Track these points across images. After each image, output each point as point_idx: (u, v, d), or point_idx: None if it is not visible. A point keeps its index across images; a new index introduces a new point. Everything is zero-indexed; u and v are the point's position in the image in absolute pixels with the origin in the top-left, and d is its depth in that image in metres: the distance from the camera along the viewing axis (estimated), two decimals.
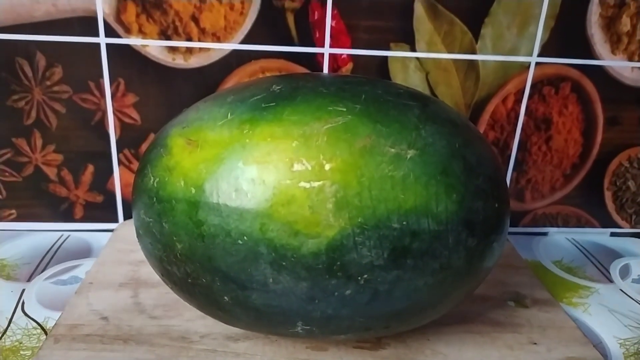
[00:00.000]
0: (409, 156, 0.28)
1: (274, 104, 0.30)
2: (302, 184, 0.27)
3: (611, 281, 0.52)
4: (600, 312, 0.47)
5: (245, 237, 0.28)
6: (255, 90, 0.32)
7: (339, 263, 0.28)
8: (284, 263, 0.28)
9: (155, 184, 0.31)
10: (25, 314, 0.42)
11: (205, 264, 0.30)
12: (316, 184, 0.27)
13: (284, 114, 0.29)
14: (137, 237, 0.34)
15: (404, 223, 0.28)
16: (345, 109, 0.29)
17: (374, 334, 0.34)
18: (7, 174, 0.53)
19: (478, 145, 0.32)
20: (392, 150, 0.28)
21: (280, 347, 0.37)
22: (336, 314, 0.30)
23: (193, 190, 0.29)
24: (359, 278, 0.28)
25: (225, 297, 0.31)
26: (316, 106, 0.29)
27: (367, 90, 0.31)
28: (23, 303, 0.43)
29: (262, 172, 0.28)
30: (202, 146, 0.30)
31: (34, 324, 0.41)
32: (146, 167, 0.33)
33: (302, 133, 0.28)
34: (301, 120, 0.29)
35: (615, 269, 0.55)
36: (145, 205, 0.32)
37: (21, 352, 0.38)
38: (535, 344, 0.40)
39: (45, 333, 0.40)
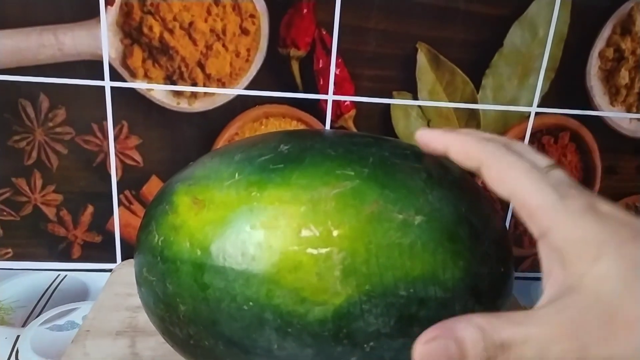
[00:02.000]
0: (416, 222, 0.28)
1: (282, 165, 0.30)
2: (310, 250, 0.27)
3: None
4: None
5: (251, 303, 0.28)
6: (263, 150, 0.31)
7: (345, 330, 0.27)
8: (289, 330, 0.28)
9: (160, 243, 0.31)
10: None
11: (208, 328, 0.29)
12: (324, 250, 0.27)
13: (292, 178, 0.29)
14: (138, 292, 0.34)
15: (411, 291, 0.27)
16: (353, 173, 0.29)
17: None
18: (5, 213, 0.52)
19: (483, 207, 0.32)
20: (400, 216, 0.28)
21: None
22: None
23: (199, 252, 0.29)
24: (365, 345, 0.28)
25: None
26: (324, 170, 0.29)
27: (375, 153, 0.31)
28: (17, 352, 0.42)
29: (270, 237, 0.28)
30: (209, 207, 0.30)
31: None
32: (151, 224, 0.32)
33: (310, 198, 0.28)
34: (309, 185, 0.29)
35: None
36: (149, 263, 0.31)
37: None
38: None
39: None
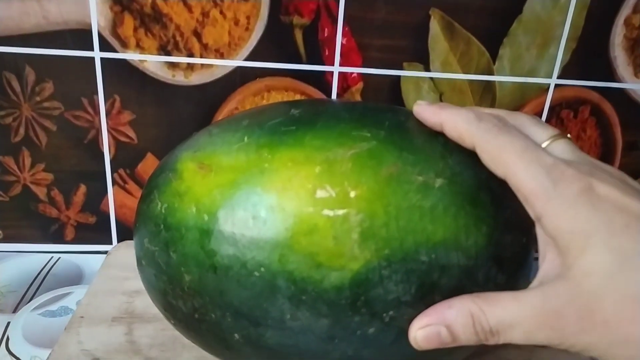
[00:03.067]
0: (437, 185, 0.28)
1: (294, 127, 0.30)
2: (326, 212, 0.27)
3: None
4: None
5: (262, 269, 0.28)
6: (273, 114, 0.31)
7: (363, 298, 0.27)
8: (303, 298, 0.27)
9: (163, 210, 0.31)
10: (10, 353, 0.41)
11: (215, 298, 0.29)
12: (341, 212, 0.27)
13: (306, 139, 0.29)
14: (139, 267, 0.34)
15: (433, 256, 0.27)
16: (369, 135, 0.29)
17: None
18: None
19: None
20: (420, 178, 0.28)
21: None
22: (357, 355, 0.29)
23: (206, 218, 0.29)
24: (384, 315, 0.28)
25: (236, 335, 0.30)
26: (339, 131, 0.29)
27: (390, 117, 0.31)
28: (7, 339, 0.42)
29: (283, 199, 0.27)
30: (216, 171, 0.29)
31: None
32: (152, 193, 0.32)
33: (325, 159, 0.28)
34: (324, 146, 0.28)
35: None
36: (151, 233, 0.31)
37: None
38: None
39: None
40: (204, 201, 0.29)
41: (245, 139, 0.30)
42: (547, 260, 0.27)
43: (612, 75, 0.55)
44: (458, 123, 0.28)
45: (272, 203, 0.28)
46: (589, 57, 0.54)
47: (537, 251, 0.30)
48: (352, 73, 0.52)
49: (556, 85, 0.54)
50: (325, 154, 0.28)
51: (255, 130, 0.30)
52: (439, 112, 0.29)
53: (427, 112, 0.30)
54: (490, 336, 0.26)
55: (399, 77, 0.52)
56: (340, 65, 0.52)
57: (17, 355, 0.41)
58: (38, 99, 0.50)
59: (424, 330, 0.27)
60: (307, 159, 0.28)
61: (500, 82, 0.53)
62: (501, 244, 0.29)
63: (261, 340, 0.29)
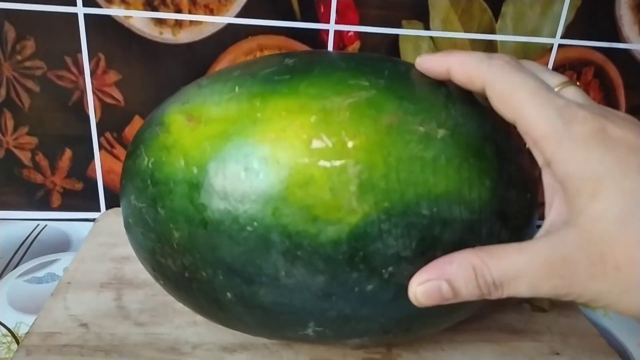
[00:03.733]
0: (439, 136, 0.27)
1: (288, 76, 0.29)
2: (322, 162, 0.26)
3: None
4: (621, 316, 0.46)
5: (255, 223, 0.27)
6: (265, 64, 0.30)
7: (361, 253, 0.26)
8: (299, 253, 0.27)
9: (150, 165, 0.30)
10: None
11: (206, 255, 0.28)
12: (338, 163, 0.26)
13: (301, 87, 0.28)
14: (126, 227, 0.33)
15: (434, 210, 0.27)
16: (368, 84, 0.28)
17: (391, 338, 0.32)
18: None
19: (507, 131, 0.31)
20: (421, 128, 0.27)
21: (281, 359, 0.36)
22: (354, 314, 0.29)
23: (195, 171, 0.28)
24: (383, 271, 0.27)
25: (228, 294, 0.29)
26: (336, 79, 0.28)
27: (390, 67, 0.30)
28: None
29: (276, 150, 0.26)
30: (206, 122, 0.28)
31: (4, 331, 0.39)
32: (139, 148, 0.31)
33: (321, 107, 0.27)
34: (320, 94, 0.27)
35: None
36: (138, 189, 0.30)
37: None
38: (557, 354, 0.39)
39: (17, 341, 0.38)
40: (193, 154, 0.28)
41: (237, 88, 0.29)
42: (554, 209, 0.26)
43: (617, 35, 0.54)
44: (467, 63, 0.27)
45: (265, 154, 0.27)
46: (593, 15, 0.52)
47: (543, 204, 0.29)
48: (348, 31, 0.51)
49: (560, 46, 0.53)
50: (321, 102, 0.27)
51: (247, 79, 0.29)
52: (446, 57, 0.28)
53: (431, 60, 0.29)
54: (494, 289, 0.25)
55: (397, 36, 0.51)
56: (336, 23, 0.50)
57: (2, 321, 0.40)
58: (19, 57, 0.48)
59: (423, 285, 0.26)
60: (302, 108, 0.27)
61: (502, 42, 0.52)
62: (505, 199, 0.29)
63: (255, 298, 0.29)
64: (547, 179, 0.27)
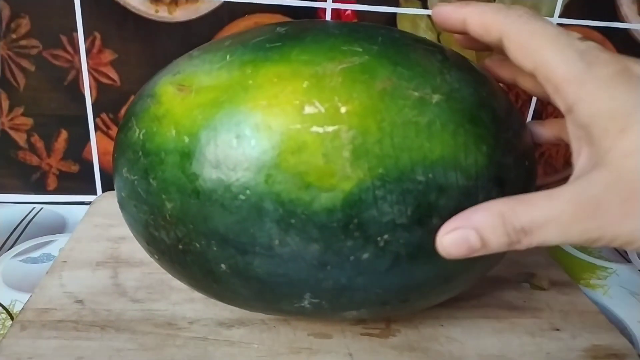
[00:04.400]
0: (434, 101, 0.26)
1: (280, 43, 0.28)
2: (315, 128, 0.25)
3: (629, 261, 0.51)
4: (621, 294, 0.46)
5: (248, 192, 0.26)
6: (257, 33, 0.29)
7: (356, 221, 0.26)
8: (292, 221, 0.26)
9: (141, 136, 0.29)
10: None
11: (199, 226, 0.27)
12: (331, 128, 0.25)
13: (293, 54, 0.27)
14: (119, 203, 0.32)
15: (430, 176, 0.26)
16: (361, 49, 0.27)
17: (389, 310, 0.32)
18: None
19: (504, 98, 0.30)
20: (416, 93, 0.26)
21: (279, 335, 0.35)
22: (350, 284, 0.28)
23: (186, 140, 0.27)
24: (379, 239, 0.26)
25: (222, 265, 0.28)
26: (329, 46, 0.27)
27: (384, 34, 0.29)
28: None
29: (268, 116, 0.26)
30: (197, 91, 0.28)
31: None
32: (130, 120, 0.30)
33: (313, 73, 0.26)
34: (312, 60, 0.27)
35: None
36: (130, 161, 0.29)
37: None
38: (557, 330, 0.38)
39: (12, 318, 0.38)
40: (184, 123, 0.27)
41: (228, 57, 0.28)
42: (583, 156, 0.25)
43: (615, 14, 0.53)
44: (484, 13, 0.27)
45: (257, 121, 0.26)
46: None
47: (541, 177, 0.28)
48: (345, 10, 0.50)
49: (558, 25, 0.52)
50: (313, 68, 0.26)
51: (238, 48, 0.28)
52: (462, 7, 0.28)
53: (447, 10, 0.28)
54: (523, 236, 0.24)
55: (395, 14, 0.50)
56: (334, 1, 0.49)
57: None
58: (14, 36, 0.47)
59: (450, 234, 0.25)
60: (294, 74, 0.26)
61: None
62: (503, 165, 0.28)
63: (249, 269, 0.28)
64: (571, 128, 0.26)
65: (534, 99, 0.55)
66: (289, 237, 0.26)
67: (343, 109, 0.25)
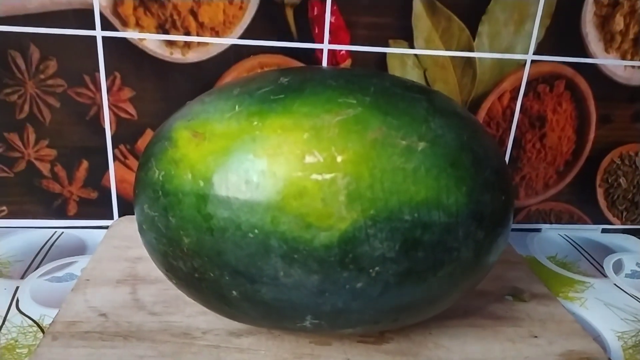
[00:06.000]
0: (419, 148, 0.28)
1: (282, 95, 0.30)
2: (314, 176, 0.27)
3: (605, 276, 0.53)
4: (596, 306, 0.47)
5: (256, 230, 0.28)
6: (262, 83, 0.31)
7: (351, 255, 0.28)
8: (295, 256, 0.28)
9: (160, 177, 0.31)
10: (20, 312, 0.41)
11: (213, 258, 0.29)
12: (328, 176, 0.27)
13: (294, 106, 0.29)
14: (140, 232, 0.34)
15: (416, 215, 0.28)
16: (355, 101, 0.29)
17: (382, 327, 0.33)
18: None
19: (484, 138, 0.32)
20: (403, 142, 0.28)
21: (283, 342, 0.37)
22: (346, 307, 0.30)
23: (201, 183, 0.29)
24: (371, 270, 0.28)
25: (234, 292, 0.30)
26: (326, 98, 0.29)
27: (376, 83, 0.31)
28: (17, 300, 0.42)
29: (273, 164, 0.27)
30: (210, 139, 0.29)
31: (30, 322, 0.40)
32: (150, 161, 0.32)
33: (313, 125, 0.28)
34: (312, 112, 0.28)
35: (608, 264, 0.55)
36: (150, 199, 0.31)
37: (17, 350, 0.37)
38: (536, 337, 0.40)
39: (42, 331, 0.39)
40: (199, 167, 0.29)
41: (237, 107, 0.30)
42: None
43: (584, 51, 0.55)
44: None
45: (263, 168, 0.28)
46: (562, 33, 0.53)
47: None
48: (340, 50, 0.51)
49: (532, 61, 0.54)
50: (312, 120, 0.28)
51: (245, 98, 0.30)
52: None
53: None
54: None
55: (385, 53, 0.52)
56: (330, 42, 0.51)
57: (27, 314, 0.41)
58: (42, 76, 0.49)
59: None
60: (296, 125, 0.28)
61: (480, 58, 0.53)
62: (481, 202, 0.30)
63: (257, 295, 0.30)
64: None
65: (514, 127, 0.57)
66: (292, 270, 0.28)
67: (339, 158, 0.27)
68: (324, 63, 0.52)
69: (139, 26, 0.48)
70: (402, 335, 0.38)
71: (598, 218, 0.63)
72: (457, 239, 0.29)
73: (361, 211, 0.27)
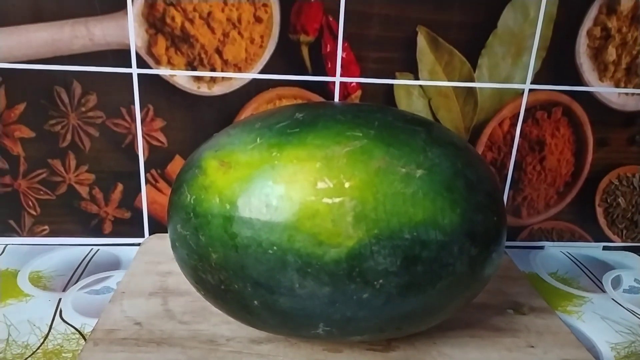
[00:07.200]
0: (417, 175, 0.32)
1: (298, 129, 0.33)
2: (325, 199, 0.31)
3: (604, 291, 0.55)
4: (593, 319, 0.50)
5: (274, 247, 0.31)
6: (280, 118, 0.35)
7: (357, 270, 0.31)
8: (309, 270, 0.31)
9: (191, 201, 0.34)
10: (64, 321, 0.45)
11: (238, 272, 0.33)
12: (337, 199, 0.30)
13: (308, 139, 0.32)
14: (172, 248, 0.37)
15: (415, 234, 0.31)
16: (361, 134, 0.33)
17: (387, 335, 0.36)
18: (41, 192, 0.56)
19: (478, 165, 0.35)
20: (403, 170, 0.31)
21: (299, 349, 0.40)
22: (354, 316, 0.33)
23: (227, 206, 0.32)
24: (375, 283, 0.31)
25: (255, 302, 0.33)
26: (336, 132, 0.33)
27: (379, 117, 0.34)
28: (61, 311, 0.46)
29: (290, 190, 0.31)
30: (235, 167, 0.33)
31: (72, 330, 0.44)
32: (182, 186, 0.36)
33: (324, 155, 0.31)
34: (323, 145, 0.32)
35: (607, 280, 0.57)
36: (182, 220, 0.35)
37: (63, 355, 0.41)
38: (532, 347, 0.42)
39: (84, 338, 0.43)
40: (226, 192, 0.33)
41: (258, 139, 0.34)
42: None
43: (579, 80, 0.57)
44: None
45: (281, 193, 0.31)
46: (558, 64, 0.56)
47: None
48: (351, 82, 0.55)
49: (530, 90, 0.57)
50: (324, 151, 0.32)
51: (266, 132, 0.34)
52: None
53: None
54: None
55: (392, 85, 0.56)
56: (341, 75, 0.55)
57: (70, 323, 0.45)
58: (83, 109, 0.53)
59: None
60: (309, 156, 0.32)
61: (480, 88, 0.56)
62: (473, 222, 0.33)
63: (276, 305, 0.33)
64: None
65: (515, 151, 0.60)
66: (306, 282, 0.31)
67: (347, 184, 0.31)
68: (336, 94, 0.55)
69: (170, 64, 0.52)
70: (408, 344, 0.41)
71: (599, 236, 0.65)
72: (452, 255, 0.32)
73: (366, 230, 0.30)
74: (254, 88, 0.54)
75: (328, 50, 0.54)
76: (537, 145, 0.60)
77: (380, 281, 0.31)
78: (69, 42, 0.51)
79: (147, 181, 0.57)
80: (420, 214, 0.31)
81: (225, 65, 0.53)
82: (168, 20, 0.51)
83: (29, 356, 0.40)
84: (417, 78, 0.55)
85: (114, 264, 0.55)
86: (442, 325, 0.40)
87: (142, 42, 0.52)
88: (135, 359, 0.38)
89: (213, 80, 0.54)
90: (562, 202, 0.63)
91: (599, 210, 0.64)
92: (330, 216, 0.30)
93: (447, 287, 0.33)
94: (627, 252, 0.65)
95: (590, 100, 0.58)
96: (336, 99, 0.56)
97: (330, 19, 0.53)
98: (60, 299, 0.48)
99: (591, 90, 0.58)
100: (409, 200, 0.31)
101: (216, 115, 0.55)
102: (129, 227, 0.59)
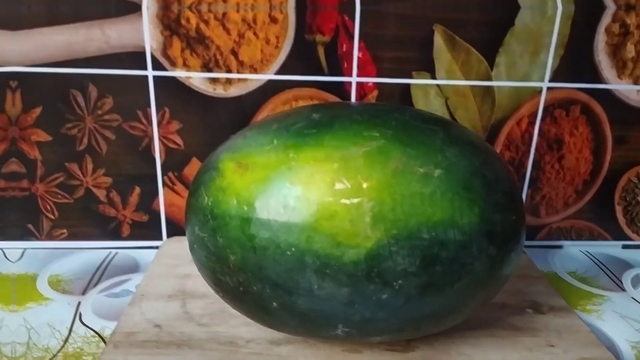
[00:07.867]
0: (435, 175, 0.32)
1: (315, 130, 0.33)
2: (343, 200, 0.31)
3: (623, 290, 0.54)
4: (613, 318, 0.49)
5: (293, 248, 0.31)
6: (297, 119, 0.35)
7: (376, 270, 0.31)
8: (327, 271, 0.31)
9: (209, 203, 0.35)
10: (83, 324, 0.45)
11: (256, 273, 0.33)
12: (355, 200, 0.31)
13: (325, 140, 0.33)
14: (191, 250, 0.38)
15: (433, 234, 0.31)
16: (378, 134, 0.33)
17: (406, 336, 0.36)
18: (59, 196, 0.57)
19: (496, 164, 0.35)
20: (421, 170, 0.31)
21: (318, 350, 0.40)
22: (373, 317, 0.33)
23: (245, 208, 0.33)
24: (394, 283, 0.31)
25: (274, 303, 0.34)
26: (353, 132, 0.33)
27: (397, 117, 0.34)
28: (80, 314, 0.47)
29: (307, 191, 0.31)
30: (252, 169, 0.33)
31: (92, 333, 0.44)
32: (200, 188, 0.36)
33: (341, 156, 0.32)
34: (340, 145, 0.32)
35: (627, 279, 0.57)
36: (200, 222, 0.35)
37: (83, 358, 0.41)
38: (552, 346, 0.42)
39: (103, 340, 0.43)
40: (243, 194, 0.33)
41: (275, 141, 0.34)
42: None
43: (597, 77, 0.57)
44: None
45: (298, 194, 0.31)
46: (576, 62, 0.56)
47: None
48: (367, 82, 0.55)
49: (548, 88, 0.57)
50: (341, 152, 0.32)
51: (282, 133, 0.34)
52: None
53: None
54: None
55: (408, 84, 0.55)
56: (357, 76, 0.55)
57: (90, 326, 0.45)
58: (99, 112, 0.54)
59: None
60: (327, 157, 0.32)
61: (498, 87, 0.56)
62: (492, 221, 0.33)
63: (294, 306, 0.33)
64: None
65: (533, 150, 0.59)
66: (325, 283, 0.32)
67: (364, 185, 0.31)
68: (353, 95, 0.56)
69: (185, 66, 0.53)
70: (427, 344, 0.41)
71: (618, 234, 0.64)
72: (471, 254, 0.32)
73: (384, 231, 0.30)
74: (270, 89, 0.54)
75: (344, 50, 0.54)
76: (555, 143, 0.59)
77: (399, 282, 0.31)
78: (85, 45, 0.52)
79: (164, 184, 0.57)
80: (439, 213, 0.31)
81: (241, 66, 0.53)
82: (183, 22, 0.51)
83: (50, 359, 0.41)
84: (434, 77, 0.55)
85: (133, 267, 0.55)
86: (461, 325, 0.40)
87: (158, 44, 0.52)
88: None
89: (229, 81, 0.54)
90: (581, 200, 0.62)
91: (618, 209, 0.63)
92: (349, 217, 0.31)
93: (466, 286, 0.33)
94: None
95: (608, 98, 0.58)
96: (353, 99, 0.56)
97: (346, 18, 0.53)
98: (79, 302, 0.49)
99: (610, 87, 0.57)
100: (427, 200, 0.31)
101: (232, 117, 0.55)
102: (147, 230, 0.59)
